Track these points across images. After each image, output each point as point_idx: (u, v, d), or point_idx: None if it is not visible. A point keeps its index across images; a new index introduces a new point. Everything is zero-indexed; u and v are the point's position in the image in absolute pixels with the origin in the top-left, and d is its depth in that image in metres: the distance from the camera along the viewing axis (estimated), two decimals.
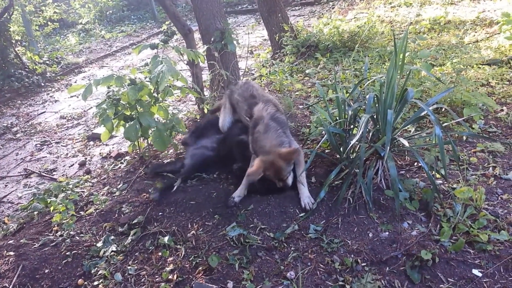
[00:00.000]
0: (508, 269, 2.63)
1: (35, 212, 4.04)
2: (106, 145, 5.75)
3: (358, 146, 3.41)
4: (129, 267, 3.11)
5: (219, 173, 4.12)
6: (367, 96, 3.31)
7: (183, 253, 3.15)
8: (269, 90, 6.26)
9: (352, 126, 3.62)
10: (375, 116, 3.43)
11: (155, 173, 4.41)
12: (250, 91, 4.10)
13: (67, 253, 3.32)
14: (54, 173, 5.24)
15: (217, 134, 4.43)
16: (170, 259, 3.13)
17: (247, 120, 3.89)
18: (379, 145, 3.21)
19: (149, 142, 4.58)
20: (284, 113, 4.04)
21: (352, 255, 2.90)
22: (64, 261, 3.25)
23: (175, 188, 3.95)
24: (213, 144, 4.34)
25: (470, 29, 7.59)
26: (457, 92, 4.49)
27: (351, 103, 3.64)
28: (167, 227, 3.46)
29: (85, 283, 3.04)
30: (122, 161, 5.03)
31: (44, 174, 5.22)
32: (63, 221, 3.68)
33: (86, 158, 5.45)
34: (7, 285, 3.06)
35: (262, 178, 3.44)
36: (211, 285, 2.81)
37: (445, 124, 4.12)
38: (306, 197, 3.46)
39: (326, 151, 4.06)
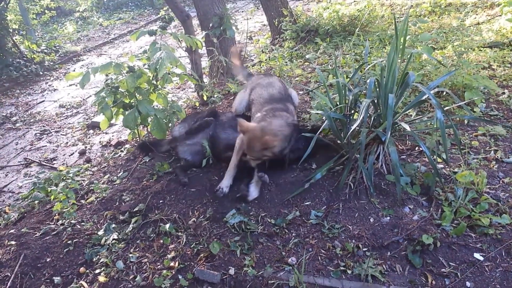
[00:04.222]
0: (510, 253, 2.63)
1: (36, 201, 4.04)
2: (106, 133, 5.74)
3: (359, 131, 3.38)
4: (130, 255, 3.12)
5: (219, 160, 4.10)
6: (368, 81, 3.28)
7: (184, 240, 3.16)
8: None
9: (352, 111, 3.58)
10: (376, 101, 3.39)
11: (143, 148, 4.49)
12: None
13: (69, 242, 3.33)
14: (54, 162, 5.23)
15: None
16: (172, 246, 3.14)
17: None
18: (380, 130, 3.19)
19: (149, 130, 4.56)
20: None
21: (353, 240, 2.90)
22: (66, 250, 3.26)
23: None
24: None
25: (471, 11, 7.51)
26: (458, 75, 4.44)
27: (352, 88, 3.60)
28: (168, 214, 3.46)
29: (87, 271, 3.06)
30: (122, 149, 5.01)
31: (44, 163, 5.21)
32: (64, 210, 3.68)
33: (86, 147, 5.43)
34: (9, 274, 3.07)
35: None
36: (212, 271, 2.82)
37: (447, 107, 4.07)
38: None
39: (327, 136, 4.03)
